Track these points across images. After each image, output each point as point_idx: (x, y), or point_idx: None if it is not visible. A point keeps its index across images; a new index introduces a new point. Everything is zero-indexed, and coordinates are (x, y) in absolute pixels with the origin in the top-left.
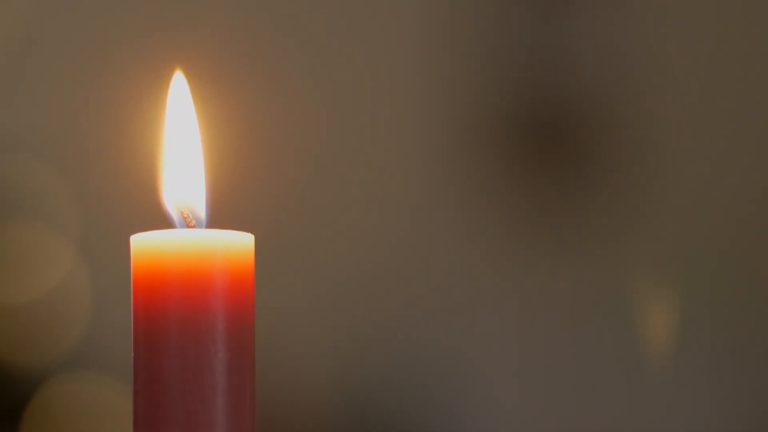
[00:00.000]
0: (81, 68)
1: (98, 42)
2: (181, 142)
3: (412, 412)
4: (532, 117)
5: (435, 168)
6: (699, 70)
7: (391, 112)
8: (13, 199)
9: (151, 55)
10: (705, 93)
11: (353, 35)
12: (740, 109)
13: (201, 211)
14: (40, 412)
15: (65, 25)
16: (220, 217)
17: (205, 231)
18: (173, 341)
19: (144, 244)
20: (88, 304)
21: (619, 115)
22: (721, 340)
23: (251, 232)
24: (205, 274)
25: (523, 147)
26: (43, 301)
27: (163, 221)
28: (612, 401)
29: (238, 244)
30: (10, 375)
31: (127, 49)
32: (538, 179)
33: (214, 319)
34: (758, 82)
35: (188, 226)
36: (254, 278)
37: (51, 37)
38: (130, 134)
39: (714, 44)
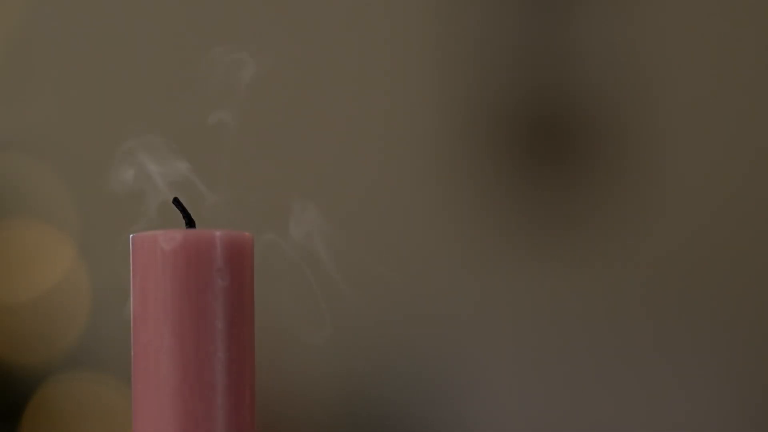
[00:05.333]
0: (81, 68)
1: (98, 42)
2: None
3: (409, 406)
4: (532, 116)
5: (439, 167)
6: (704, 70)
7: (389, 113)
8: (13, 199)
9: (152, 54)
10: (710, 93)
11: (347, 34)
12: (746, 109)
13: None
14: (40, 412)
15: (65, 25)
16: (220, 217)
17: (205, 230)
18: (173, 341)
19: (144, 243)
20: (87, 303)
21: (621, 115)
22: (720, 339)
23: (251, 232)
24: (205, 274)
25: (522, 147)
26: (42, 301)
27: (162, 221)
28: (611, 400)
29: (237, 243)
30: (10, 375)
31: (127, 49)
32: (536, 180)
33: (214, 319)
34: (765, 82)
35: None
36: (254, 278)
37: (51, 37)
38: (130, 133)
39: (720, 43)
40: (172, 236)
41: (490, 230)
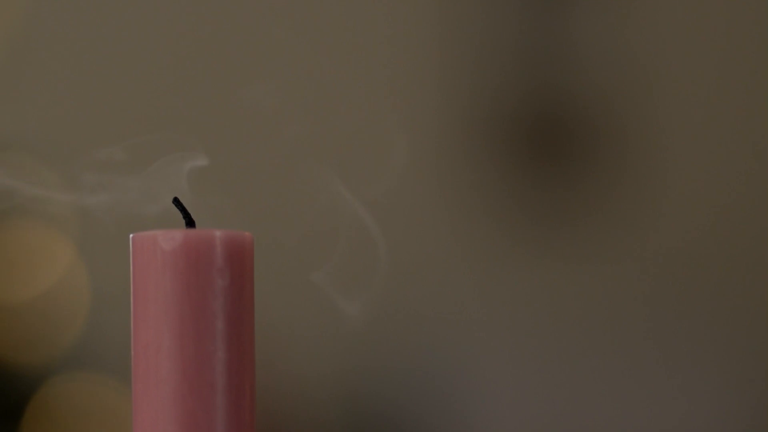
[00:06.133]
0: (81, 68)
1: (98, 42)
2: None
3: (409, 406)
4: (532, 116)
5: (439, 167)
6: (704, 70)
7: (389, 113)
8: (13, 199)
9: (151, 54)
10: (710, 93)
11: (346, 34)
12: (746, 109)
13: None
14: (40, 412)
15: (66, 25)
16: (219, 216)
17: (205, 230)
18: (173, 341)
19: (144, 243)
20: (87, 303)
21: (621, 115)
22: (720, 339)
23: (251, 232)
24: (205, 273)
25: (522, 147)
26: (42, 301)
27: (162, 221)
28: (610, 400)
29: (237, 243)
30: (10, 374)
31: (127, 48)
32: (536, 179)
33: (214, 319)
34: (765, 82)
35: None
36: (254, 277)
37: (51, 37)
38: (130, 133)
39: (720, 43)
40: (172, 236)
41: (490, 230)
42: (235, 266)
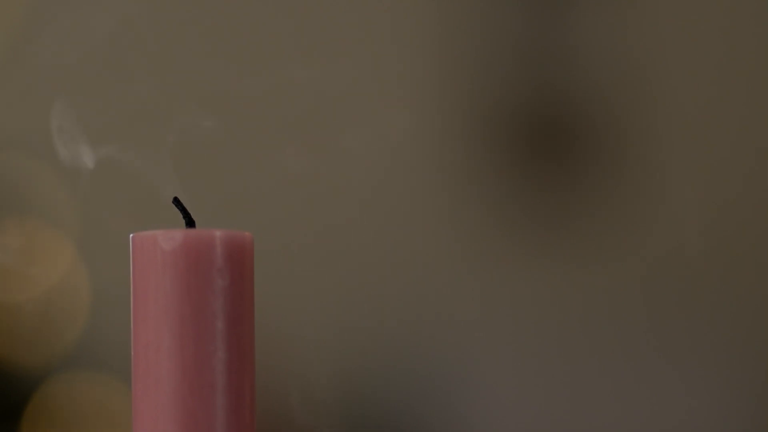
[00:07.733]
0: (80, 68)
1: (97, 41)
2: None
3: (409, 406)
4: (533, 116)
5: (439, 168)
6: (705, 69)
7: (389, 113)
8: (13, 199)
9: (151, 53)
10: (711, 93)
11: (345, 34)
12: (747, 109)
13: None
14: (40, 412)
15: (66, 24)
16: (220, 216)
17: (205, 230)
18: (173, 341)
19: (144, 243)
20: (87, 303)
21: (621, 115)
22: (720, 338)
23: (251, 232)
24: (205, 273)
25: (523, 147)
26: (42, 301)
27: (161, 221)
28: (610, 399)
29: (237, 243)
30: (10, 374)
31: (126, 48)
32: (536, 179)
33: (214, 319)
34: (765, 82)
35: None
36: (254, 277)
37: (50, 36)
38: (130, 133)
39: (720, 43)
40: (172, 236)
41: (490, 230)
42: (235, 266)
